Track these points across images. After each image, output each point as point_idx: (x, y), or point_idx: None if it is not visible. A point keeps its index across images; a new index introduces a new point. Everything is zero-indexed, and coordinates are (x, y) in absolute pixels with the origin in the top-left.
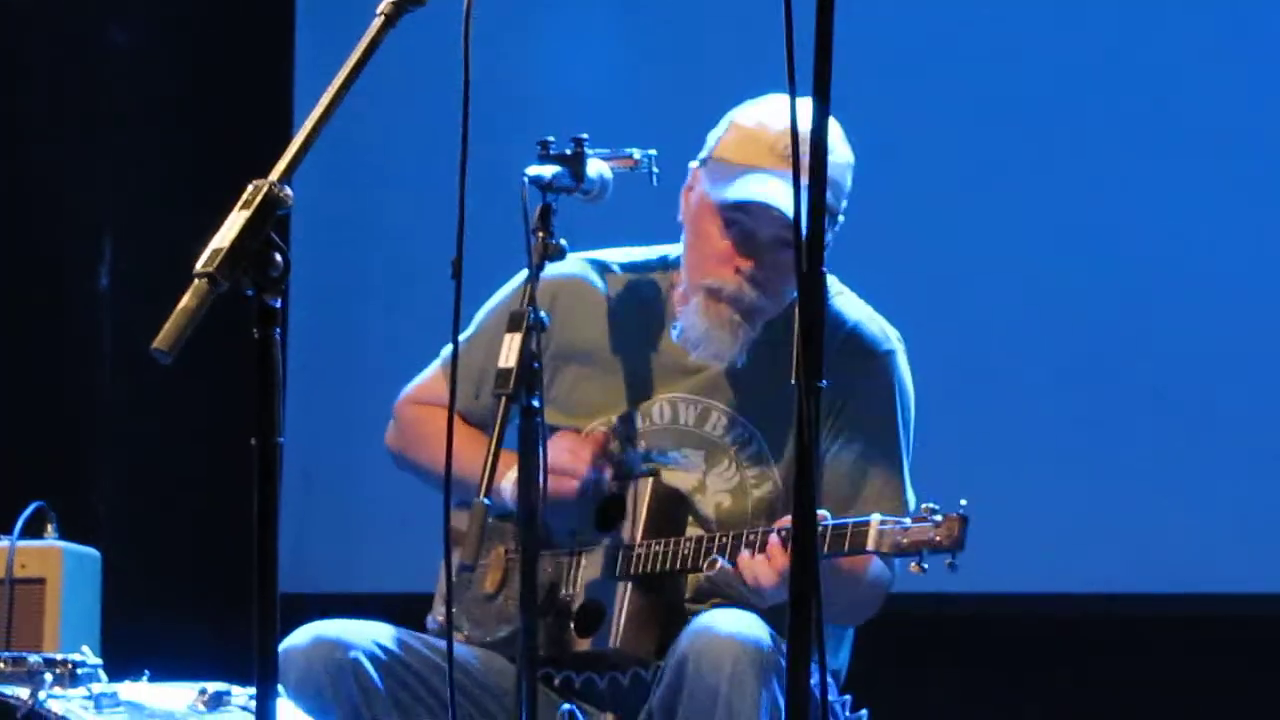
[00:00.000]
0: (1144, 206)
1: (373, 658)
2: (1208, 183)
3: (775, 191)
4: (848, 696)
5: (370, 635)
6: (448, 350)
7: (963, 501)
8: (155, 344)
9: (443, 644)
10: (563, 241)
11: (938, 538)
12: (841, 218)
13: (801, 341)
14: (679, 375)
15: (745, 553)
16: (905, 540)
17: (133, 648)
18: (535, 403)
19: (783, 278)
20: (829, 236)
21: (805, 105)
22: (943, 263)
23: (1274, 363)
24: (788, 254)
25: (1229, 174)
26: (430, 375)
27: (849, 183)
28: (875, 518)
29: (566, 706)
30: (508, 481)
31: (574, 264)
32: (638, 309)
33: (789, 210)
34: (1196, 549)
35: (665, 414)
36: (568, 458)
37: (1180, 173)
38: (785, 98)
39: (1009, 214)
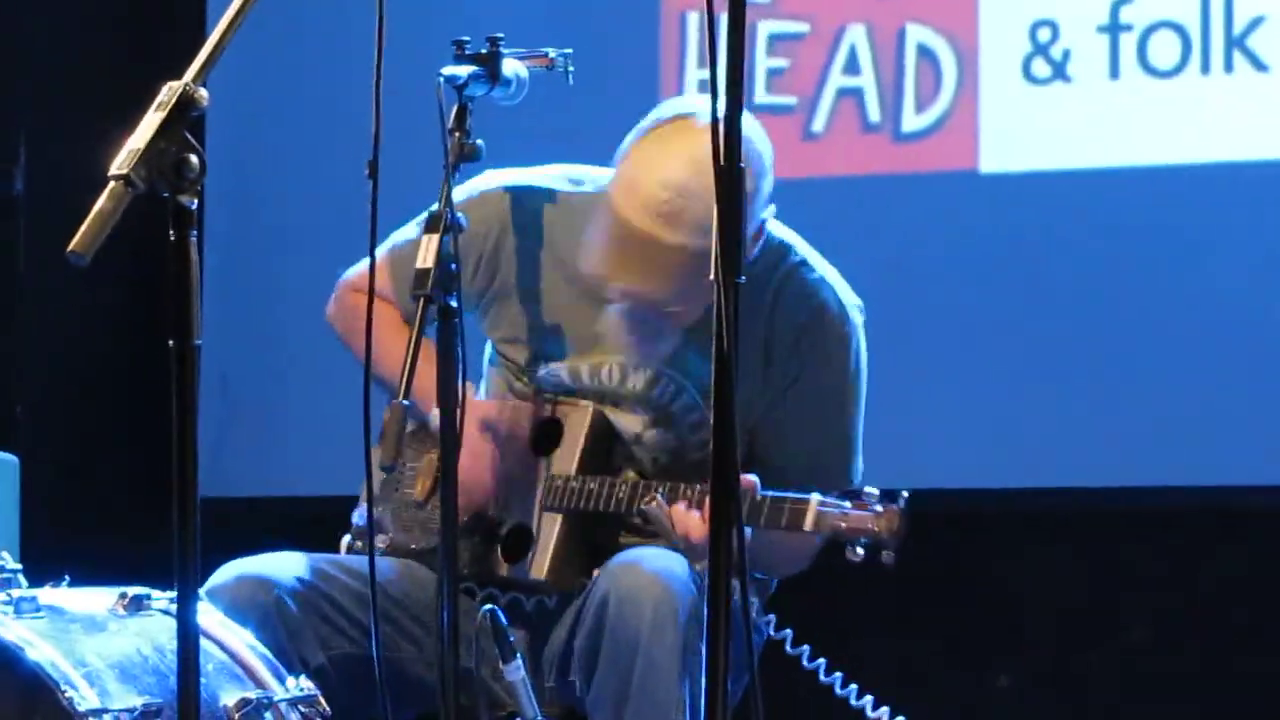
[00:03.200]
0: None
1: (295, 593)
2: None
3: (633, 273)
4: (771, 616)
5: (291, 570)
6: (397, 237)
7: (904, 492)
8: (71, 247)
9: (361, 566)
10: (479, 142)
11: (876, 528)
12: (769, 211)
13: (719, 241)
14: (629, 337)
15: (681, 504)
16: (844, 525)
17: (52, 552)
18: (453, 303)
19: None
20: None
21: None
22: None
23: (1196, 251)
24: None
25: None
26: (378, 262)
27: (766, 187)
28: (815, 497)
29: (488, 606)
30: (435, 413)
31: (531, 189)
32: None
33: (644, 292)
34: (1122, 444)
35: (613, 375)
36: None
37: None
38: (689, 124)
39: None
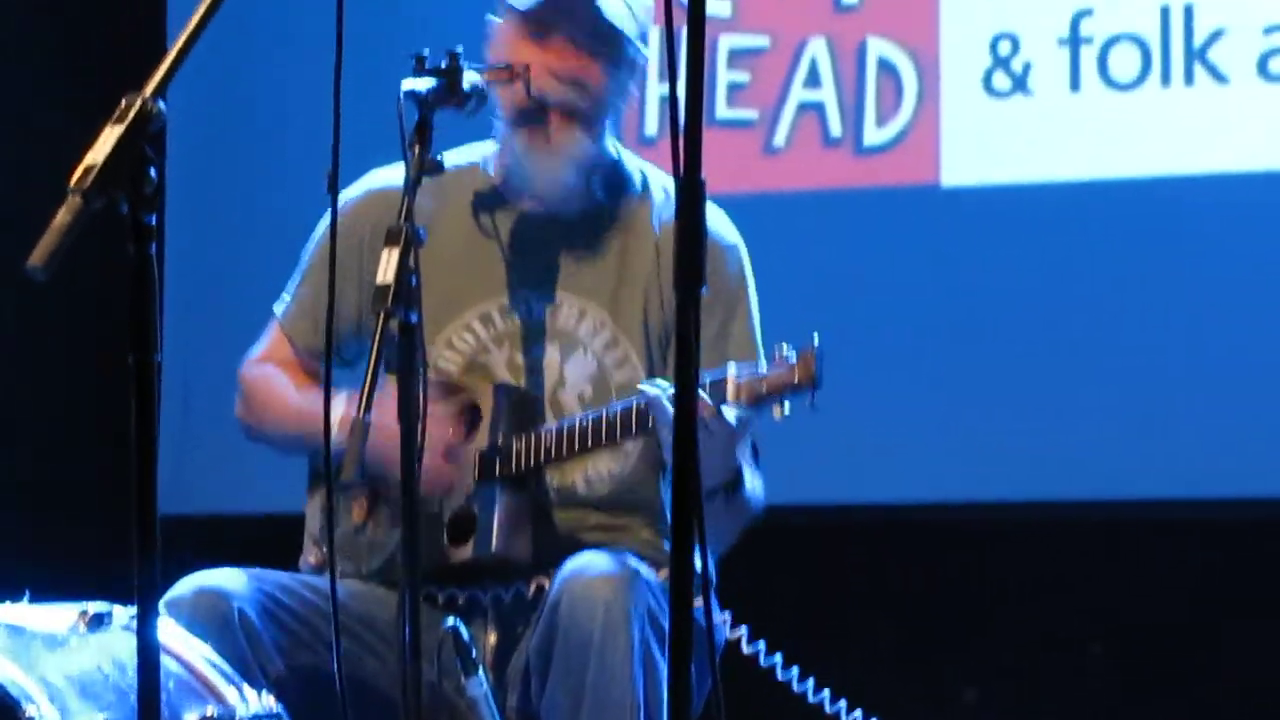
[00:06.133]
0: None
1: (256, 606)
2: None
3: None
4: (727, 613)
5: (252, 583)
6: (279, 308)
7: (815, 335)
8: (30, 261)
9: (322, 584)
10: (440, 157)
11: (796, 378)
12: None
13: (680, 247)
14: (521, 272)
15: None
16: (764, 387)
17: (12, 568)
18: (413, 319)
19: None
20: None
21: None
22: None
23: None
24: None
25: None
26: (268, 337)
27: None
28: (731, 369)
29: (451, 620)
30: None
31: (388, 188)
32: (466, 209)
33: None
34: (1086, 456)
35: (519, 313)
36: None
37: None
38: None
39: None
